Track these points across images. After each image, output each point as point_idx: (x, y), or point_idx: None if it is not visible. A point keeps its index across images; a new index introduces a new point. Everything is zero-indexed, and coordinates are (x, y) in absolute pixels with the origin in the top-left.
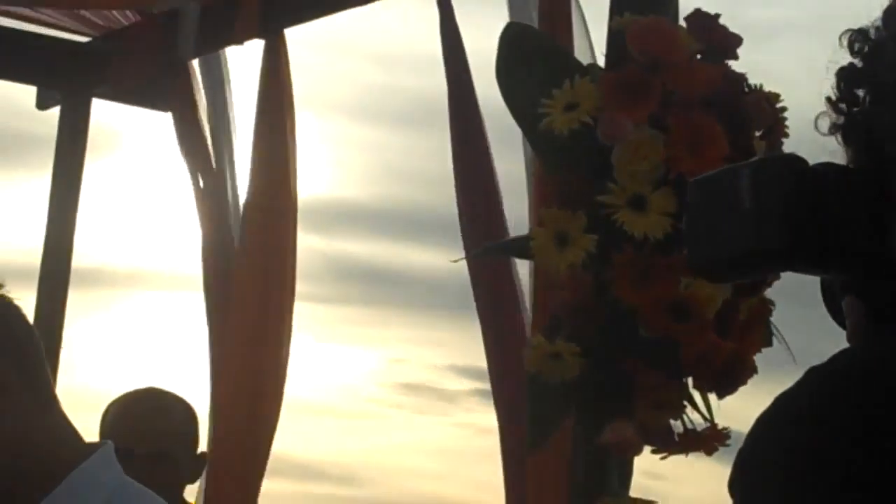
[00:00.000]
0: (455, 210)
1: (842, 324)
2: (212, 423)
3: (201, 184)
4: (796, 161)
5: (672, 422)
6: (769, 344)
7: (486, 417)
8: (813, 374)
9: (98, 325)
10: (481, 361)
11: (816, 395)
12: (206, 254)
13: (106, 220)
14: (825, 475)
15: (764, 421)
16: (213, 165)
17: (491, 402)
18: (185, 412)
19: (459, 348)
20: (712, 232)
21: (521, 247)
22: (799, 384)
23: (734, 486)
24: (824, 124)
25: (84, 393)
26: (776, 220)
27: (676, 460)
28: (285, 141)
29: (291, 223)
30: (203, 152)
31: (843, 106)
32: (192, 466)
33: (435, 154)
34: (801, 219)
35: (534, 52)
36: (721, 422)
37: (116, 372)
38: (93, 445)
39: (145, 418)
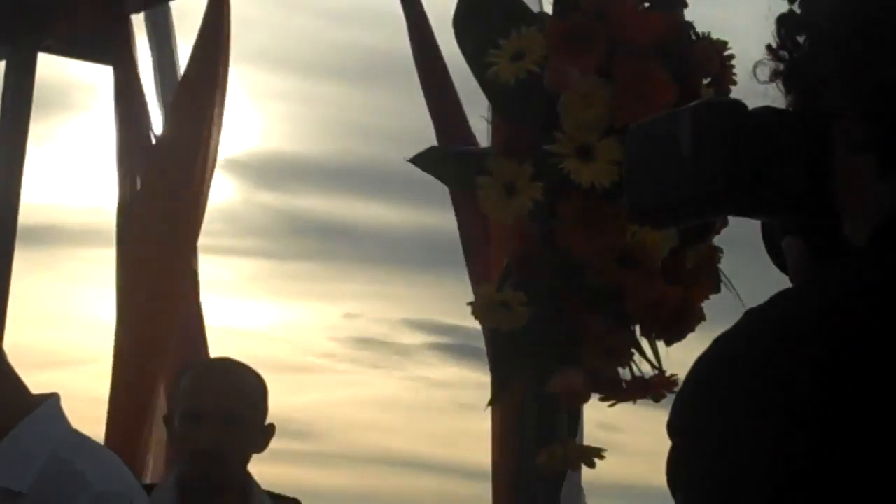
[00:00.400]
0: (410, 167)
1: (782, 267)
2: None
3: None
4: (735, 105)
5: (620, 369)
6: (717, 291)
7: (440, 371)
8: (751, 316)
9: (45, 282)
10: (435, 315)
11: (754, 338)
12: (120, 204)
13: (53, 176)
14: (761, 418)
15: (703, 363)
16: (151, 121)
17: (444, 356)
18: (257, 382)
19: (414, 303)
20: (653, 177)
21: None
22: (737, 326)
23: (672, 428)
24: (764, 72)
25: (30, 351)
26: (716, 164)
27: (630, 412)
28: (212, 93)
29: (200, 171)
30: (139, 105)
31: (783, 53)
32: (261, 435)
33: (391, 110)
34: (740, 162)
35: (488, 1)
36: (669, 369)
37: (64, 330)
38: (40, 398)
39: (219, 382)
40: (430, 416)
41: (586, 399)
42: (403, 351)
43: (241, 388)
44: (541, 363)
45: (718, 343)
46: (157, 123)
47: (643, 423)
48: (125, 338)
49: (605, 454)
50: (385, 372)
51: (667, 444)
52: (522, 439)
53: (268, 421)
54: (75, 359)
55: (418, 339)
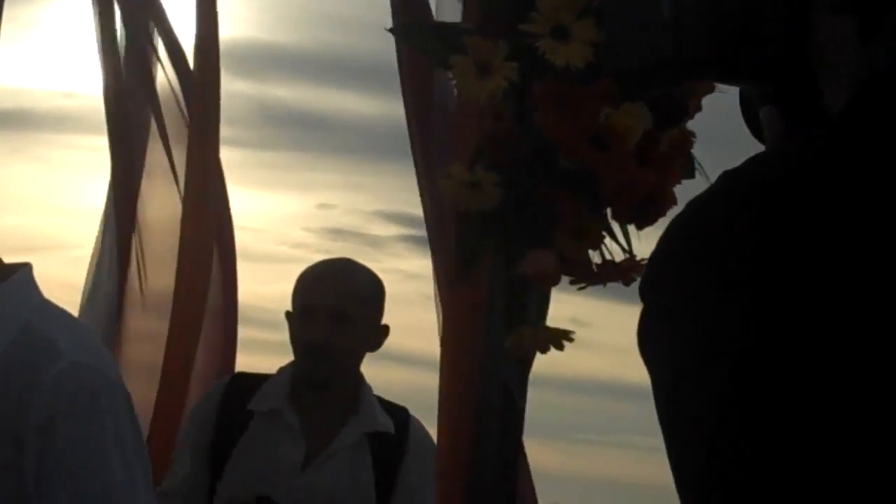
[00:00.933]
0: (386, 57)
1: (759, 137)
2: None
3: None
4: None
5: (591, 253)
6: (691, 176)
7: (413, 263)
8: (725, 178)
9: (21, 167)
10: (408, 207)
11: (728, 199)
12: (107, 95)
13: (30, 61)
14: (731, 278)
15: (676, 225)
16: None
17: (417, 248)
18: (372, 282)
19: (387, 194)
20: (632, 39)
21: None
22: (711, 188)
23: (644, 291)
24: None
25: (4, 236)
26: (695, 28)
27: (599, 308)
28: None
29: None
30: None
31: None
32: (372, 334)
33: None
34: (719, 25)
35: None
36: (640, 254)
37: (39, 216)
38: (12, 267)
39: (331, 281)
40: (401, 308)
41: (556, 281)
42: (376, 242)
43: (353, 288)
44: (511, 244)
45: (692, 204)
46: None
47: (612, 319)
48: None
49: (573, 336)
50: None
51: (630, 338)
52: (491, 322)
53: (287, 310)
54: (51, 245)
55: (391, 230)
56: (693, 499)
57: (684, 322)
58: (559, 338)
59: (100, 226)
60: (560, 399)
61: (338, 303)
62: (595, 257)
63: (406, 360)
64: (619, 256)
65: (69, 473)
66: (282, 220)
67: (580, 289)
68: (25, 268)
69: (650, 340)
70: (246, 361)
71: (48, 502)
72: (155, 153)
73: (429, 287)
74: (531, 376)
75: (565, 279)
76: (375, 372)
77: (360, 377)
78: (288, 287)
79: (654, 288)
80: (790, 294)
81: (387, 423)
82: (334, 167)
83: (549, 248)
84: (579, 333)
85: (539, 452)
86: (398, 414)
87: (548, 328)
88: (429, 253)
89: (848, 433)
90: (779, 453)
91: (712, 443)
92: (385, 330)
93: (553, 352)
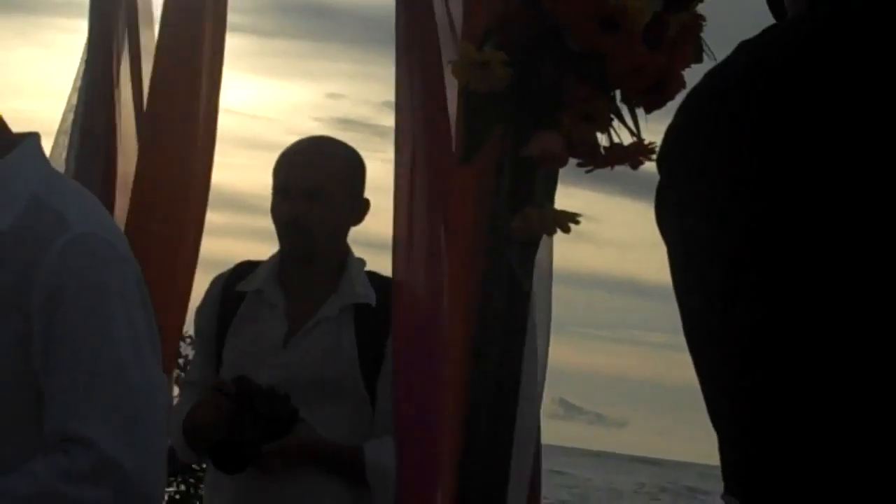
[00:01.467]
0: None
1: (779, 15)
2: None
3: None
4: None
5: (599, 136)
6: (699, 60)
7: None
8: (743, 46)
9: (28, 52)
10: None
11: (746, 65)
12: None
13: None
14: (747, 144)
15: (694, 95)
16: None
17: None
18: (346, 157)
19: None
20: None
21: None
22: (730, 57)
23: (662, 160)
24: None
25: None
26: None
27: (605, 203)
28: None
29: None
30: None
31: None
32: (349, 208)
33: None
34: None
35: None
36: (648, 138)
37: (46, 98)
38: (19, 136)
39: (304, 159)
40: None
41: (564, 163)
42: (384, 133)
43: (326, 164)
44: (519, 125)
45: (710, 75)
46: None
47: (621, 215)
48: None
49: (580, 219)
50: (365, 154)
51: (640, 235)
52: (498, 202)
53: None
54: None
55: None
56: (711, 352)
57: (700, 191)
58: (565, 220)
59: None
60: (568, 294)
61: (309, 180)
62: (603, 140)
63: None
64: (627, 139)
65: (76, 344)
66: (292, 110)
67: (588, 171)
68: (32, 138)
69: (667, 211)
70: (256, 250)
71: (55, 373)
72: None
73: None
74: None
75: (572, 163)
76: (382, 261)
77: (346, 253)
78: None
79: (671, 158)
80: (799, 160)
81: (368, 295)
82: (345, 56)
83: (556, 131)
84: (582, 227)
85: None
86: (384, 287)
87: (554, 210)
88: None
89: (851, 279)
90: (792, 301)
91: (729, 297)
92: (365, 204)
93: (561, 247)
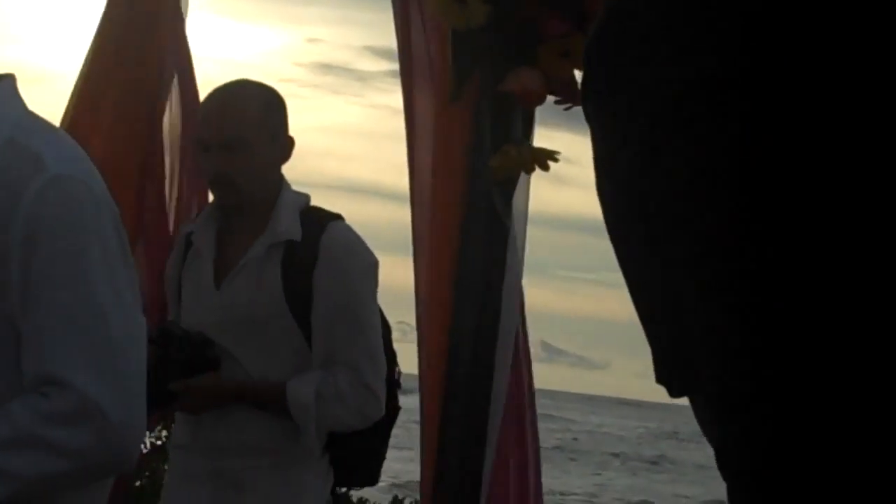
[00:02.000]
0: None
1: None
2: None
3: None
4: None
5: (576, 72)
6: None
7: (400, 99)
8: None
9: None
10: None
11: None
12: None
13: None
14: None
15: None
16: None
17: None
18: (261, 101)
19: (376, 29)
20: None
21: None
22: None
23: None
24: None
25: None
26: None
27: (585, 144)
28: None
29: None
30: None
31: None
32: (273, 150)
33: None
34: None
35: None
36: None
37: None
38: None
39: (218, 110)
40: (389, 145)
41: (542, 100)
42: (364, 77)
43: (240, 113)
44: (498, 62)
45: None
46: None
47: None
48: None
49: (558, 157)
50: (345, 98)
51: None
52: (478, 141)
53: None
54: (39, 76)
55: (380, 65)
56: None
57: (674, 152)
58: (544, 157)
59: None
60: (550, 237)
61: (224, 132)
62: (580, 77)
63: (391, 196)
64: None
65: (53, 285)
66: (271, 55)
67: (566, 109)
68: (7, 80)
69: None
70: None
71: (33, 317)
72: None
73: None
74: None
75: (551, 104)
76: (360, 207)
77: (280, 192)
78: None
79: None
80: (782, 96)
81: (293, 231)
82: (322, 1)
83: (534, 67)
84: (569, 171)
85: (530, 291)
86: (315, 223)
87: (533, 147)
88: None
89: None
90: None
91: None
92: (289, 142)
93: (542, 190)
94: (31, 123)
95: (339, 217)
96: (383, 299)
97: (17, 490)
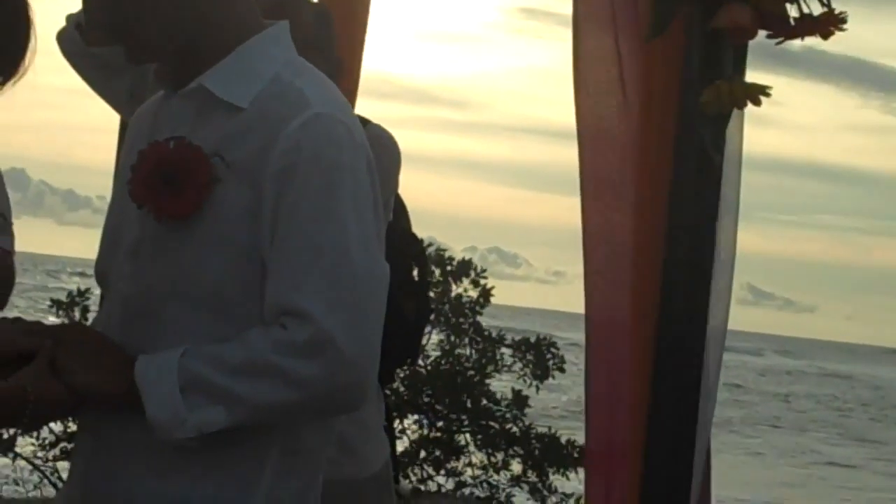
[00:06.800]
0: None
1: None
2: None
3: None
4: None
5: (788, 6)
6: None
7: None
8: None
9: None
10: None
11: None
12: None
13: None
14: None
15: None
16: None
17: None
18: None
19: None
20: None
21: None
22: None
23: None
24: None
25: None
26: None
27: (791, 87)
28: None
29: None
30: None
31: None
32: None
33: None
34: None
35: None
36: (838, 6)
37: None
38: (267, 23)
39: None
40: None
41: (753, 34)
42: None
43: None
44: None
45: None
46: None
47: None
48: None
49: (770, 91)
50: (548, 43)
51: (824, 116)
52: (686, 75)
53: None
54: None
55: None
56: None
57: None
58: (756, 92)
59: None
60: (755, 180)
61: None
62: (793, 11)
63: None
64: (817, 10)
65: (303, 219)
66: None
67: (778, 43)
68: (281, 24)
69: None
70: (434, 140)
71: (280, 247)
72: None
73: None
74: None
75: (760, 44)
76: (559, 151)
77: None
78: (478, 68)
79: None
80: None
81: None
82: None
83: (745, 1)
84: (772, 113)
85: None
86: None
87: (745, 83)
88: None
89: None
90: None
91: None
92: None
93: (747, 130)
94: (297, 64)
95: None
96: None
97: (247, 415)
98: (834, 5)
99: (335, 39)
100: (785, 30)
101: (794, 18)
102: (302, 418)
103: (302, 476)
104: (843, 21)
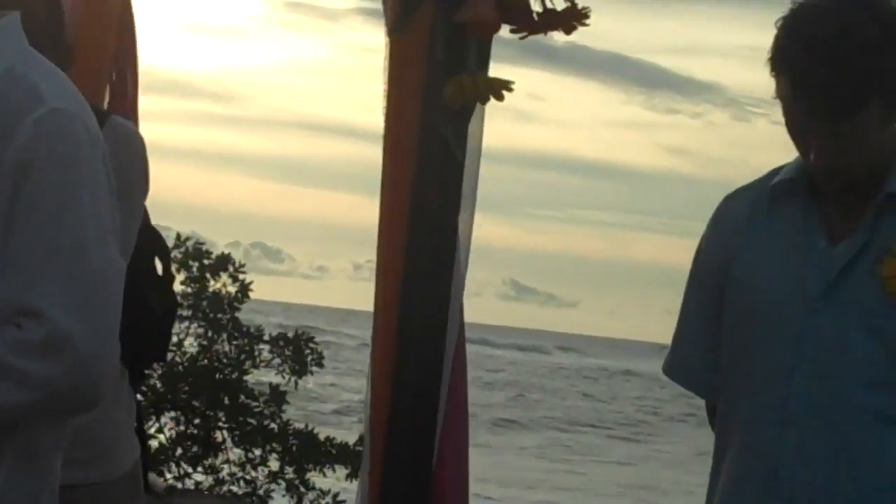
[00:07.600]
0: None
1: None
2: None
3: None
4: None
5: (532, 1)
6: None
7: (369, 36)
8: None
9: None
10: None
11: None
12: None
13: None
14: None
15: None
16: None
17: (374, 21)
18: None
19: None
20: None
21: None
22: None
23: None
24: None
25: None
26: None
27: (554, 83)
28: None
29: None
30: None
31: None
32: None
33: None
34: None
35: None
36: (581, 2)
37: None
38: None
39: None
40: (355, 82)
41: (496, 28)
42: (333, 15)
43: None
44: None
45: None
46: None
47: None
48: None
49: (513, 87)
50: (313, 36)
51: (585, 111)
52: (430, 69)
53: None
54: None
55: (349, 2)
56: None
57: None
58: (498, 87)
59: None
60: (518, 175)
61: None
62: (536, 6)
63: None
64: (560, 5)
65: (39, 216)
66: None
67: (522, 38)
68: (12, 15)
69: None
70: (198, 134)
71: (15, 244)
72: None
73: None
74: (485, 150)
75: (515, 41)
76: (326, 145)
77: None
78: (243, 61)
79: None
80: None
81: None
82: None
83: None
84: (536, 108)
85: (495, 229)
86: None
87: (487, 77)
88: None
89: None
90: None
91: None
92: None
93: (508, 127)
94: (31, 57)
95: None
96: (345, 238)
97: None
98: (578, 0)
99: (65, 26)
100: (528, 24)
101: (537, 13)
102: (39, 419)
103: (37, 477)
104: (586, 16)
